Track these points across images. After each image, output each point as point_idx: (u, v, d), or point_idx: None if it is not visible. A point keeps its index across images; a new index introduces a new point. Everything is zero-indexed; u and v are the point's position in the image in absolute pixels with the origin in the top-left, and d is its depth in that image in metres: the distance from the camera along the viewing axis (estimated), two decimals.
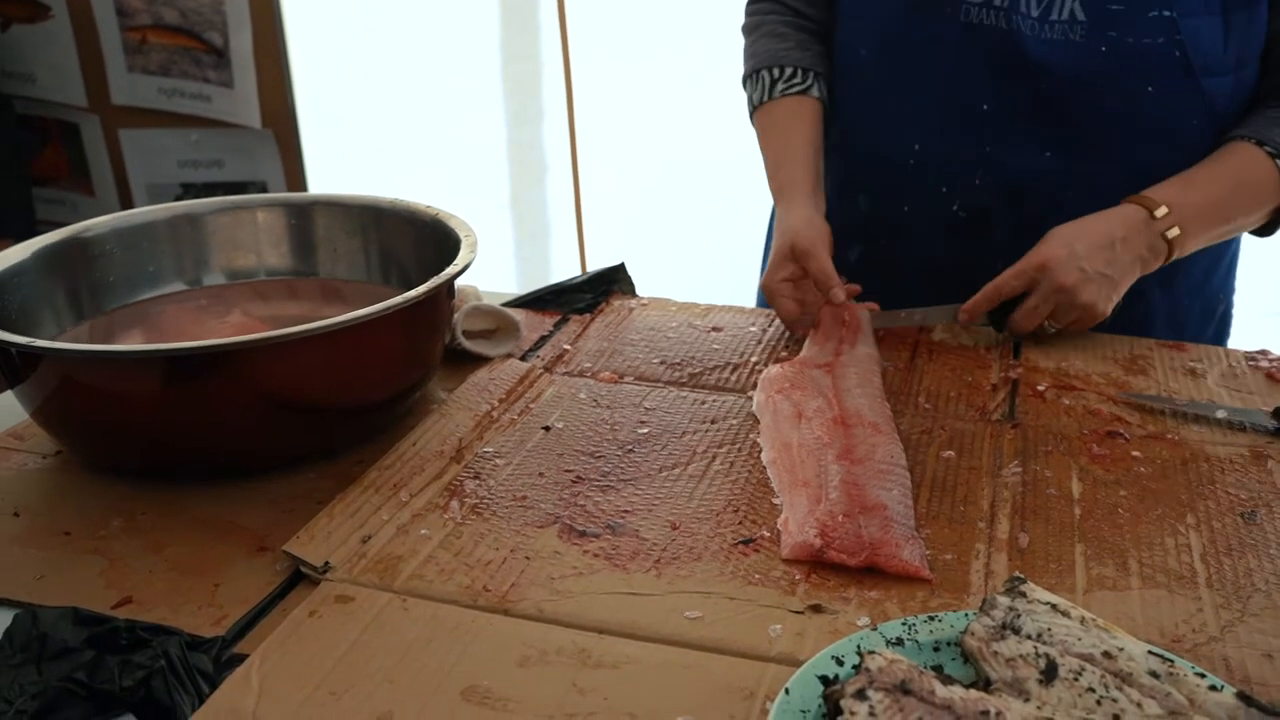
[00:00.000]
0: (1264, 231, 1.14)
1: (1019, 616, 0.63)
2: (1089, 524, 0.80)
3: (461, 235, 1.00)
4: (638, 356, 1.10)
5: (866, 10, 1.17)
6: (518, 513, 0.82)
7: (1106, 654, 0.60)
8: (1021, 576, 0.66)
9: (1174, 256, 1.06)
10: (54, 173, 2.61)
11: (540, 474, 0.87)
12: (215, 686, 0.64)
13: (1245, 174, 1.06)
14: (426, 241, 1.05)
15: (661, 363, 1.08)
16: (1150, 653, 0.60)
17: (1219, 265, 1.23)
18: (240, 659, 0.66)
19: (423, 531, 0.79)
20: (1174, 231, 1.04)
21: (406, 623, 0.69)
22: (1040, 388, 1.02)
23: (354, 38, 2.63)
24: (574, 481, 0.86)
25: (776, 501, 0.83)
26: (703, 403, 1.00)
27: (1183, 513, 0.82)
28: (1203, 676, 0.59)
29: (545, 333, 1.17)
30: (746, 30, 1.29)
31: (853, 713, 0.54)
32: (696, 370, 1.07)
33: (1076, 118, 1.09)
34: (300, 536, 0.77)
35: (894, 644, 0.63)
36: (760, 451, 0.90)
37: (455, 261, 0.94)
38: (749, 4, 1.30)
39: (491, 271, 1.20)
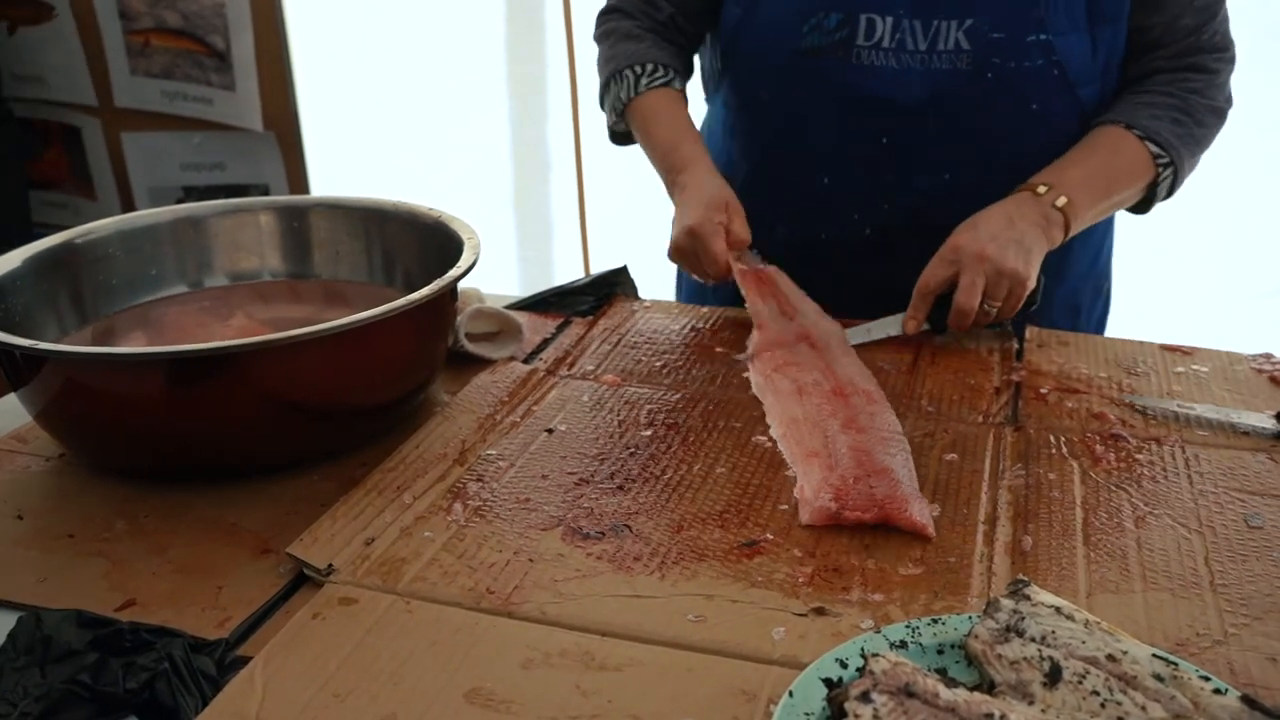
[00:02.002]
0: (1140, 208, 1.20)
1: (1023, 619, 0.63)
2: (1092, 527, 0.80)
3: (464, 238, 1.00)
4: (640, 359, 1.10)
5: (761, 56, 1.20)
6: (521, 515, 0.82)
7: (1111, 657, 0.60)
8: (1025, 579, 0.66)
9: (1072, 226, 1.11)
10: (55, 176, 2.61)
11: (543, 476, 0.87)
12: (219, 689, 0.64)
13: (1117, 150, 1.14)
14: (429, 244, 1.05)
15: (664, 365, 1.08)
16: (1154, 656, 0.60)
17: (1102, 249, 1.33)
18: (244, 661, 0.66)
19: (426, 534, 0.79)
20: (1062, 200, 1.10)
21: (410, 625, 0.69)
22: (1043, 390, 1.02)
23: (356, 39, 2.62)
24: (577, 484, 0.86)
25: (790, 473, 0.87)
26: (706, 406, 0.99)
27: (1186, 516, 0.82)
28: (1207, 680, 0.59)
29: (548, 335, 1.17)
30: (599, 39, 1.31)
31: (857, 715, 0.54)
32: (699, 373, 1.07)
33: (969, 138, 1.16)
34: (304, 539, 0.78)
35: (898, 646, 0.63)
36: (766, 453, 0.91)
37: (459, 264, 0.94)
38: (599, 15, 1.32)
39: (494, 273, 1.20)
